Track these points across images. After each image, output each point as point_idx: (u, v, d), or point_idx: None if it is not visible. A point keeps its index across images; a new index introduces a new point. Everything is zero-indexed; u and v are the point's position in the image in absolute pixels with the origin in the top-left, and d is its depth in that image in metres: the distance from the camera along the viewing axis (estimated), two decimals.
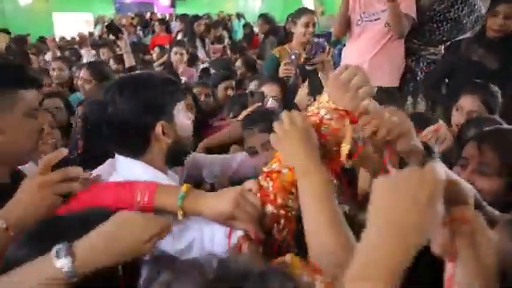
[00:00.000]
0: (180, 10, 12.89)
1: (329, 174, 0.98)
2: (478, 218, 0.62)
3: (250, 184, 1.03)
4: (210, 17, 8.82)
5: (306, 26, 2.77)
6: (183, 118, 1.25)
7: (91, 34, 11.36)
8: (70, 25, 12.90)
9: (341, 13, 2.81)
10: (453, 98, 2.18)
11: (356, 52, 2.75)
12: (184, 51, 4.27)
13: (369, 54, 2.67)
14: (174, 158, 1.26)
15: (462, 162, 1.30)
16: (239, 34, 9.75)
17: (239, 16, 11.77)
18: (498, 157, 1.22)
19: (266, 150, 1.57)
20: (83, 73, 3.03)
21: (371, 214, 0.60)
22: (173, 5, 13.51)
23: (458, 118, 2.03)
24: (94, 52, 5.67)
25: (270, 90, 2.38)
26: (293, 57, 2.55)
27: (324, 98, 1.01)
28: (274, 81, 2.48)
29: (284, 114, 1.02)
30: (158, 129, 1.17)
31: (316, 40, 2.61)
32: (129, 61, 3.18)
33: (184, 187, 1.04)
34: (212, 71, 4.11)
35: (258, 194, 1.00)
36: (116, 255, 0.82)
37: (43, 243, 0.81)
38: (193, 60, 4.72)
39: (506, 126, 1.60)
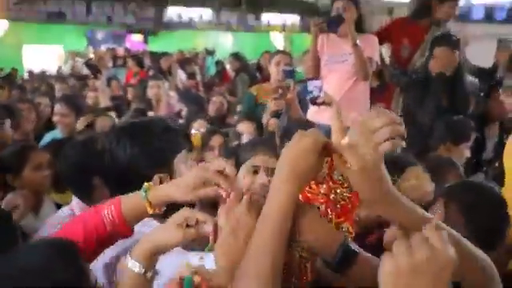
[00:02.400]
0: (152, 45, 13.05)
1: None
2: None
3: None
4: (182, 53, 8.99)
5: (278, 64, 2.92)
6: (183, 169, 1.18)
7: (60, 67, 11.35)
8: (40, 58, 12.83)
9: (312, 55, 2.91)
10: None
11: (327, 91, 2.89)
12: (160, 83, 4.21)
13: (337, 94, 2.82)
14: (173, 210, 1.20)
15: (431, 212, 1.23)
16: (212, 71, 9.97)
17: (211, 53, 12.06)
18: (464, 218, 1.19)
19: None
20: (59, 107, 2.91)
21: None
22: (145, 40, 13.67)
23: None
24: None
25: (246, 128, 2.48)
26: (280, 91, 2.69)
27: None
28: (250, 119, 2.59)
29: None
30: (156, 181, 1.11)
31: (285, 68, 2.77)
32: (104, 100, 3.21)
33: (145, 184, 1.00)
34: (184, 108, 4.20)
35: None
36: None
37: None
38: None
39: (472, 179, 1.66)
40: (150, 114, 3.86)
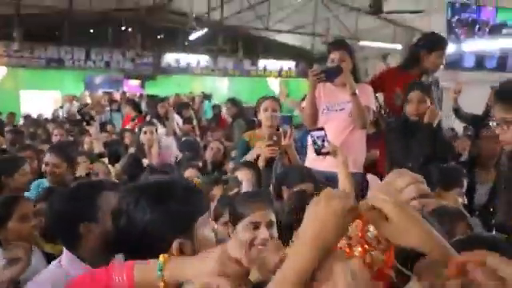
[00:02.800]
0: (149, 89, 13.22)
1: None
2: None
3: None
4: (179, 97, 9.08)
5: (265, 110, 2.97)
6: (206, 232, 1.12)
7: (56, 110, 11.42)
8: (37, 103, 12.93)
9: (310, 104, 2.90)
10: None
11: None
12: (153, 129, 4.28)
13: (335, 142, 2.81)
14: None
15: None
16: (208, 114, 10.05)
17: (208, 97, 12.21)
18: None
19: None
20: (49, 157, 2.83)
21: None
22: (142, 85, 13.85)
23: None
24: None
25: (245, 175, 2.47)
26: (275, 138, 2.69)
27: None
28: (248, 166, 2.60)
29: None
30: (176, 246, 1.05)
31: (282, 114, 2.79)
32: (98, 146, 3.20)
33: (161, 257, 0.95)
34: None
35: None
36: None
37: None
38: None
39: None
40: (144, 160, 3.84)
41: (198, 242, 1.08)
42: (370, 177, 0.90)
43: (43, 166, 2.90)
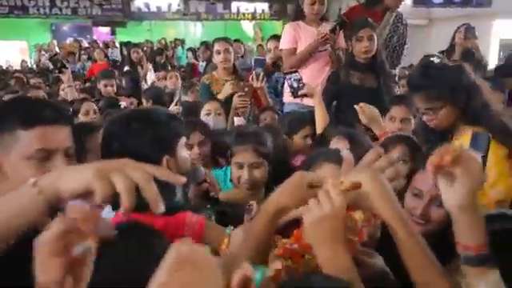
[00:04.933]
0: (120, 37, 12.83)
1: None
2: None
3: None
4: (151, 43, 8.91)
5: (218, 53, 3.06)
6: (184, 152, 1.30)
7: (24, 61, 11.05)
8: (4, 53, 12.45)
9: (306, 54, 3.02)
10: (342, 119, 2.51)
11: (307, 78, 2.95)
12: (114, 82, 4.20)
13: (316, 80, 2.96)
14: None
15: (415, 191, 1.30)
16: (183, 61, 9.91)
17: (180, 42, 11.95)
18: None
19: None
20: None
21: None
22: (113, 32, 13.41)
23: (392, 126, 2.25)
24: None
25: (211, 106, 2.66)
26: (246, 89, 2.76)
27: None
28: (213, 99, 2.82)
29: (323, 195, 0.89)
30: (164, 163, 1.21)
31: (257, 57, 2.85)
32: (71, 94, 3.21)
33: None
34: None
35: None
36: None
37: None
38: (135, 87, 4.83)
39: None
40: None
41: (180, 159, 1.25)
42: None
43: None
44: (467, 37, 3.55)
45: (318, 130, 2.24)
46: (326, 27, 3.01)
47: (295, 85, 2.43)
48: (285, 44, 3.11)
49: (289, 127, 2.35)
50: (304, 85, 2.42)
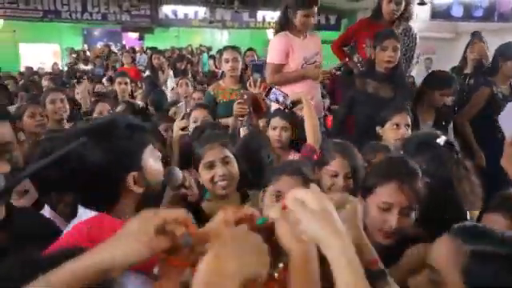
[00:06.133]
0: (148, 43, 13.11)
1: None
2: None
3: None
4: (174, 50, 9.05)
5: (227, 61, 3.07)
6: (152, 162, 1.17)
7: (55, 63, 11.44)
8: (37, 55, 12.92)
9: (299, 76, 2.92)
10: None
11: (300, 90, 2.91)
12: (128, 80, 4.37)
13: (312, 91, 2.92)
14: (146, 207, 1.10)
15: (383, 205, 1.26)
16: (208, 67, 10.04)
17: (207, 49, 12.12)
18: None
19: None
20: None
21: None
22: (141, 38, 13.72)
23: (397, 133, 2.27)
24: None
25: (200, 113, 2.67)
26: (245, 96, 2.75)
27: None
28: (202, 106, 2.83)
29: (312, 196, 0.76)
30: (130, 180, 1.10)
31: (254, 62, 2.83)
32: (85, 105, 3.30)
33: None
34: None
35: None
36: None
37: None
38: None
39: None
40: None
41: (148, 172, 1.14)
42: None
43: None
44: (474, 41, 3.45)
45: (309, 138, 2.15)
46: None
47: (281, 99, 2.42)
48: (274, 58, 2.90)
49: None
50: (287, 95, 2.41)
